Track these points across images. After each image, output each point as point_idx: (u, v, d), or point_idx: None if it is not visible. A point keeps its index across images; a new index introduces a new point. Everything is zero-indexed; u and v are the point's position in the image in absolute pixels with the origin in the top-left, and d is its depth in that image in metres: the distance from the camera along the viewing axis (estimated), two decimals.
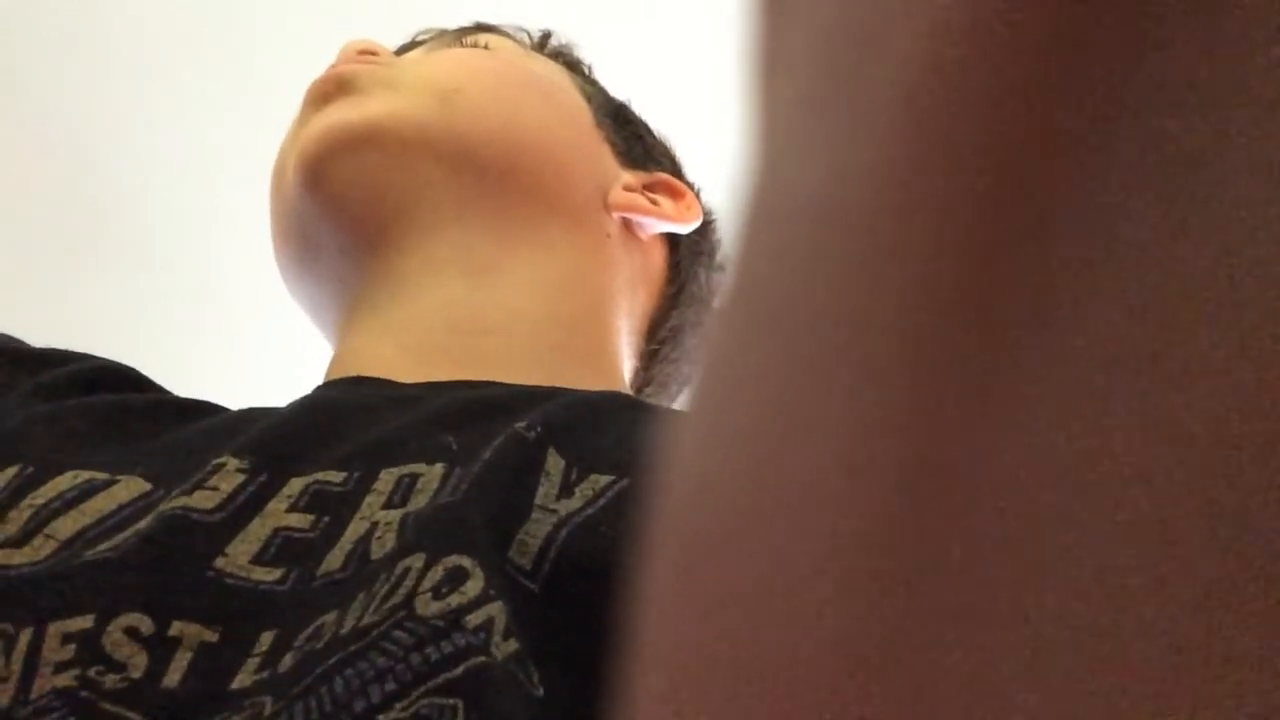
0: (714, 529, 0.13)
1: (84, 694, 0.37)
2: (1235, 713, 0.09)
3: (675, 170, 0.76)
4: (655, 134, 0.77)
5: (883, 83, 0.12)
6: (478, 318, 0.61)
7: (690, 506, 0.13)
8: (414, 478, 0.45)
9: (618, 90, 0.76)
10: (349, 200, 0.62)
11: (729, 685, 0.12)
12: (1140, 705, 0.10)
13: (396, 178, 0.61)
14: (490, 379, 0.56)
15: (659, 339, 0.73)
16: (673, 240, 0.73)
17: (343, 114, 0.62)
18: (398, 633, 0.36)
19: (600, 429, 0.47)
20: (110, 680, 0.37)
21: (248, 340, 1.67)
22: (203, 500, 0.43)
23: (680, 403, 0.77)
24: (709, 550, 0.13)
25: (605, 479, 0.43)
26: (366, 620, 0.37)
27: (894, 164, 0.12)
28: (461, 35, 0.74)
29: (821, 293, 0.12)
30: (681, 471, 0.14)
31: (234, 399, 0.58)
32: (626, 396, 0.54)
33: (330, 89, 0.64)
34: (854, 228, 0.12)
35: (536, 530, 0.41)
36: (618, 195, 0.68)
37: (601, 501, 0.42)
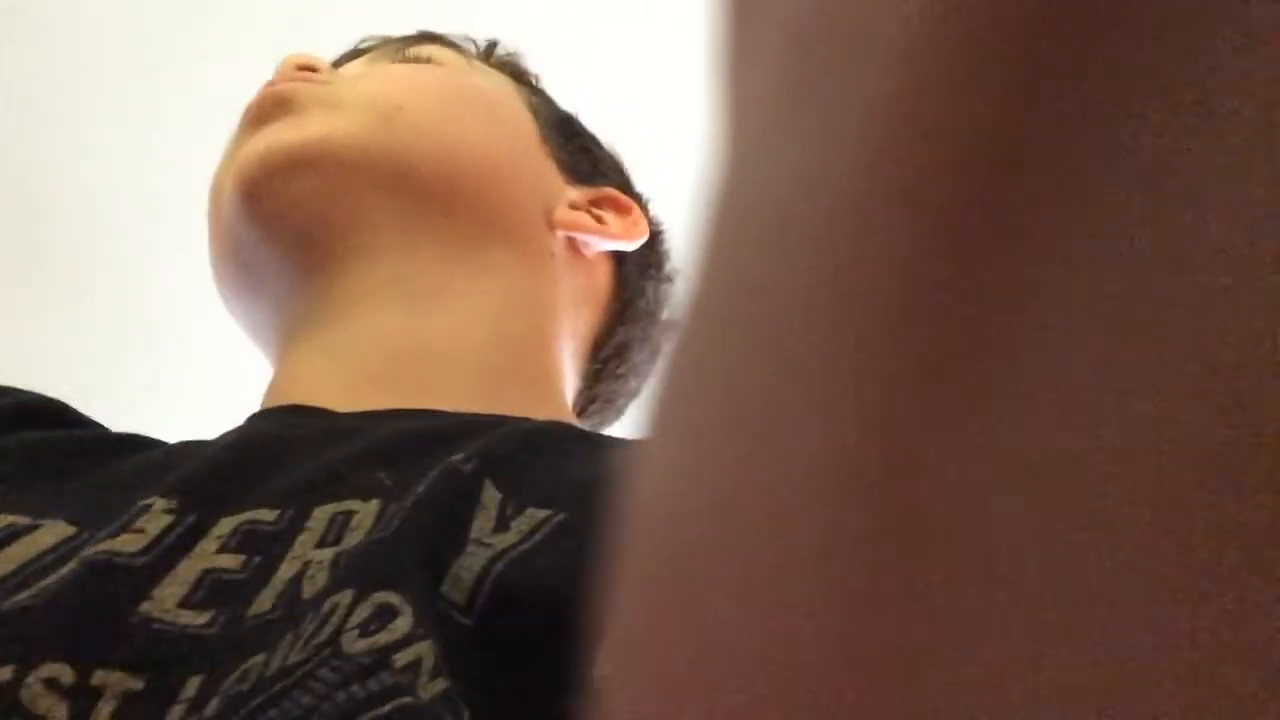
0: (683, 543, 0.13)
1: None
2: (1235, 710, 0.09)
3: (623, 183, 0.75)
4: (603, 146, 0.76)
5: (856, 79, 0.12)
6: (418, 343, 0.60)
7: (658, 520, 0.13)
8: (348, 515, 0.44)
9: (589, 89, 0.76)
10: (288, 223, 0.60)
11: (705, 703, 0.12)
12: (1137, 706, 0.09)
13: (337, 200, 0.60)
14: (430, 405, 0.55)
15: (603, 356, 0.72)
16: (619, 255, 0.72)
17: (281, 134, 0.61)
18: (323, 671, 0.36)
19: (539, 461, 0.46)
20: None
21: (196, 363, 1.65)
22: (128, 543, 0.42)
23: (631, 417, 0.77)
24: (679, 566, 0.13)
25: (542, 513, 0.42)
26: (293, 659, 0.36)
27: (867, 163, 0.12)
28: (405, 46, 0.73)
29: (792, 293, 0.12)
30: (647, 485, 0.14)
31: (182, 422, 0.57)
32: (568, 427, 0.54)
33: (268, 109, 0.62)
34: (826, 228, 0.12)
35: (471, 564, 0.40)
36: (563, 214, 0.67)
37: (538, 536, 0.41)
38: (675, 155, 0.77)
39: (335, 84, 0.66)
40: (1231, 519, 0.09)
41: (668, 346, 0.14)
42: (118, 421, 0.58)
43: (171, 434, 0.57)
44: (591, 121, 0.77)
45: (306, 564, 0.41)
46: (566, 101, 0.76)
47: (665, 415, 0.14)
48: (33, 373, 0.59)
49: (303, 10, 1.37)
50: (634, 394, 0.76)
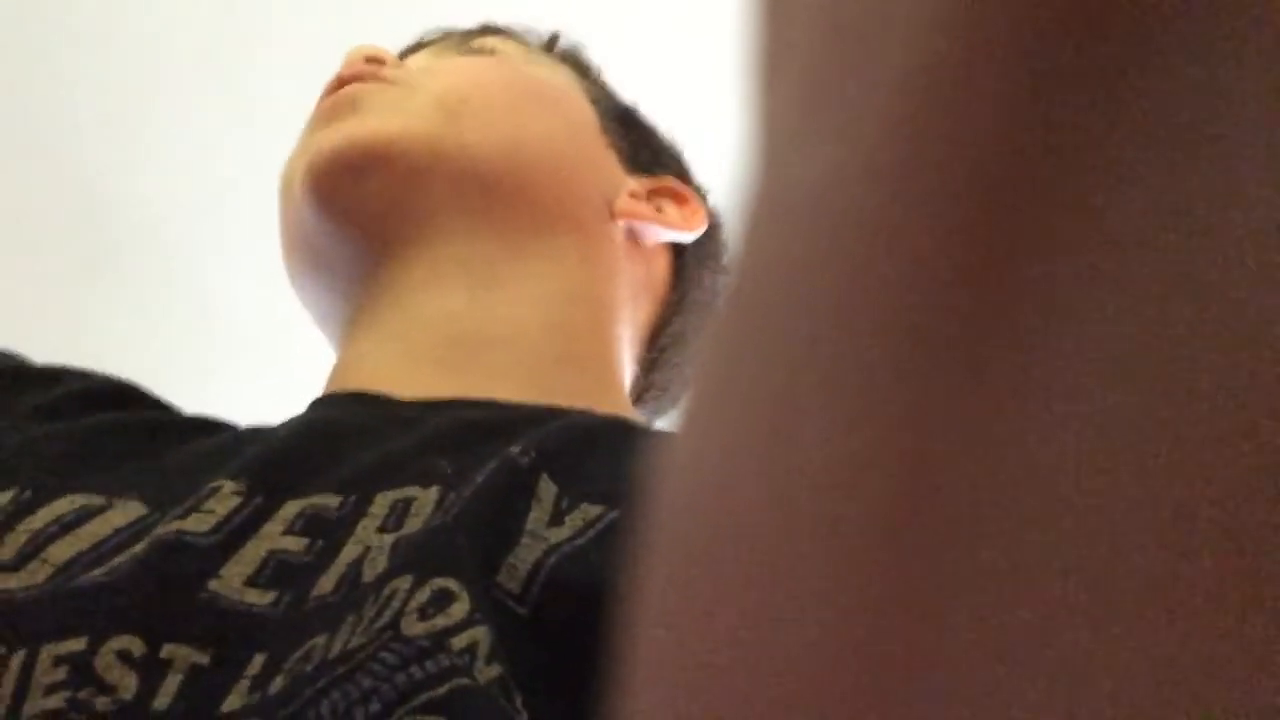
0: (711, 534, 0.13)
1: (73, 715, 0.37)
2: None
3: (682, 173, 0.75)
4: (663, 136, 0.77)
5: (883, 79, 0.12)
6: (480, 329, 0.61)
7: (687, 511, 0.13)
8: (408, 501, 0.45)
9: (624, 86, 0.76)
10: (358, 217, 0.62)
11: (727, 698, 0.12)
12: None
13: (405, 196, 0.62)
14: (490, 393, 0.56)
15: (660, 345, 0.72)
16: (677, 245, 0.73)
17: (352, 131, 0.62)
18: (384, 653, 0.37)
19: (596, 457, 0.47)
20: (101, 702, 0.38)
21: (261, 353, 1.67)
22: (198, 523, 0.43)
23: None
24: (705, 558, 0.13)
25: (596, 509, 0.43)
26: (354, 642, 0.37)
27: (893, 162, 0.12)
28: (468, 38, 0.74)
29: (820, 293, 0.12)
30: (677, 477, 0.14)
31: (247, 410, 0.58)
32: (627, 422, 0.54)
33: (341, 108, 0.64)
34: (853, 226, 0.12)
35: (526, 555, 0.41)
36: (623, 203, 0.68)
37: (591, 533, 0.42)
38: (708, 153, 0.77)
39: (401, 81, 0.66)
40: (1248, 534, 0.09)
41: (701, 341, 0.14)
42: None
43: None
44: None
45: (368, 548, 0.42)
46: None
47: (694, 412, 0.14)
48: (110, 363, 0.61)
49: (356, 18, 1.38)
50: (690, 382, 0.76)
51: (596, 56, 0.77)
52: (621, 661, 0.14)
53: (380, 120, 0.63)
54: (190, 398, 0.61)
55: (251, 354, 1.68)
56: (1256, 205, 0.10)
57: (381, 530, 0.43)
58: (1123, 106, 0.11)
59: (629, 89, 0.77)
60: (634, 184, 0.69)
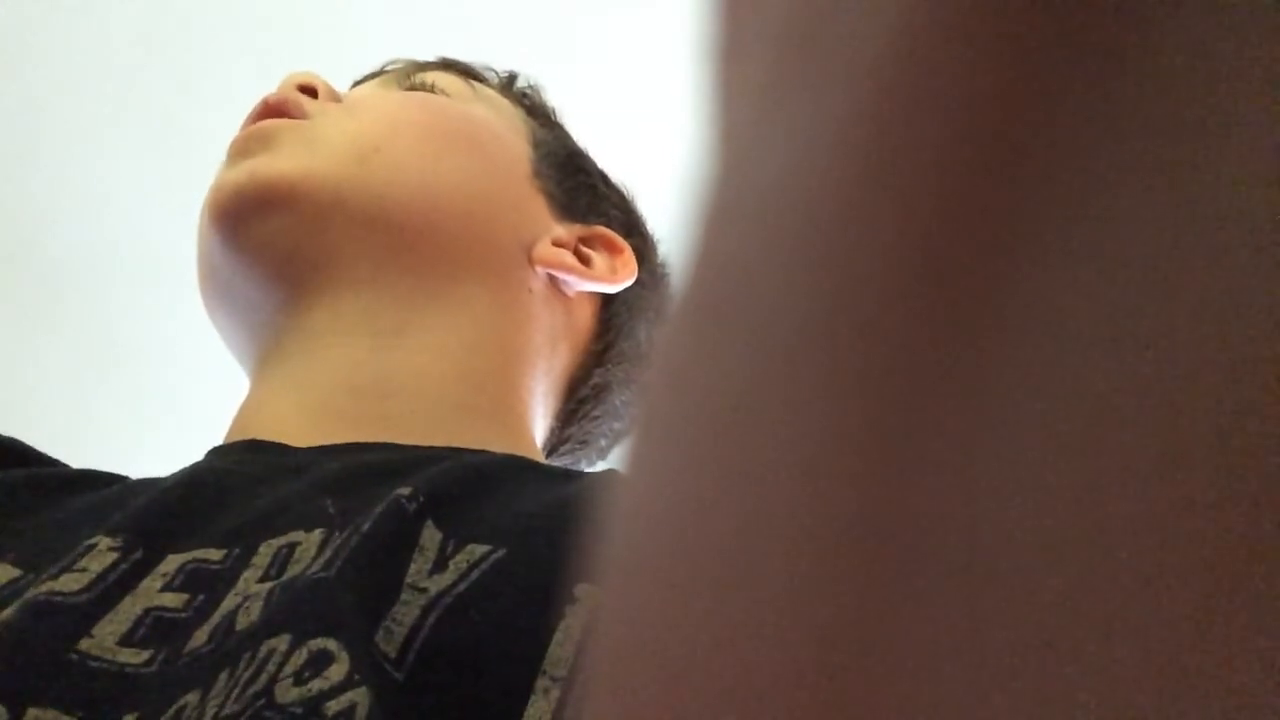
0: (670, 542, 0.12)
1: None
2: None
3: (626, 225, 0.74)
4: (611, 185, 0.76)
5: (845, 74, 0.12)
6: (381, 379, 0.60)
7: (645, 522, 0.13)
8: (291, 547, 0.44)
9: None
10: (261, 255, 0.62)
11: (690, 709, 0.12)
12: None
13: (308, 239, 0.61)
14: (390, 439, 0.55)
15: (580, 396, 0.71)
16: (607, 295, 0.72)
17: (256, 169, 0.62)
18: None
19: (485, 496, 0.46)
20: None
21: (190, 400, 1.65)
22: (69, 583, 0.42)
23: (609, 458, 0.76)
24: (666, 566, 0.12)
25: (482, 549, 0.42)
26: (228, 710, 0.36)
27: (860, 149, 0.12)
28: (414, 72, 0.74)
29: (778, 293, 0.12)
30: (631, 484, 0.13)
31: (175, 458, 0.57)
32: (522, 460, 0.53)
33: (252, 144, 0.64)
34: (817, 217, 0.12)
35: (403, 617, 0.40)
36: (543, 250, 0.67)
37: (475, 575, 0.41)
38: (662, 160, 0.77)
39: (320, 119, 0.66)
40: (1246, 529, 0.09)
41: (655, 341, 0.14)
42: (92, 451, 0.58)
43: (142, 464, 0.57)
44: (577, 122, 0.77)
45: (245, 598, 0.41)
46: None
47: (648, 420, 0.14)
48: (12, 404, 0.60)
49: (295, 56, 1.39)
50: (616, 435, 0.75)
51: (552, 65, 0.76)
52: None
53: (288, 159, 0.62)
54: (122, 446, 0.59)
55: (171, 391, 1.66)
56: (1253, 192, 0.10)
57: (263, 579, 0.43)
58: (1104, 86, 0.10)
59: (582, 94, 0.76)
60: (561, 231, 0.68)
